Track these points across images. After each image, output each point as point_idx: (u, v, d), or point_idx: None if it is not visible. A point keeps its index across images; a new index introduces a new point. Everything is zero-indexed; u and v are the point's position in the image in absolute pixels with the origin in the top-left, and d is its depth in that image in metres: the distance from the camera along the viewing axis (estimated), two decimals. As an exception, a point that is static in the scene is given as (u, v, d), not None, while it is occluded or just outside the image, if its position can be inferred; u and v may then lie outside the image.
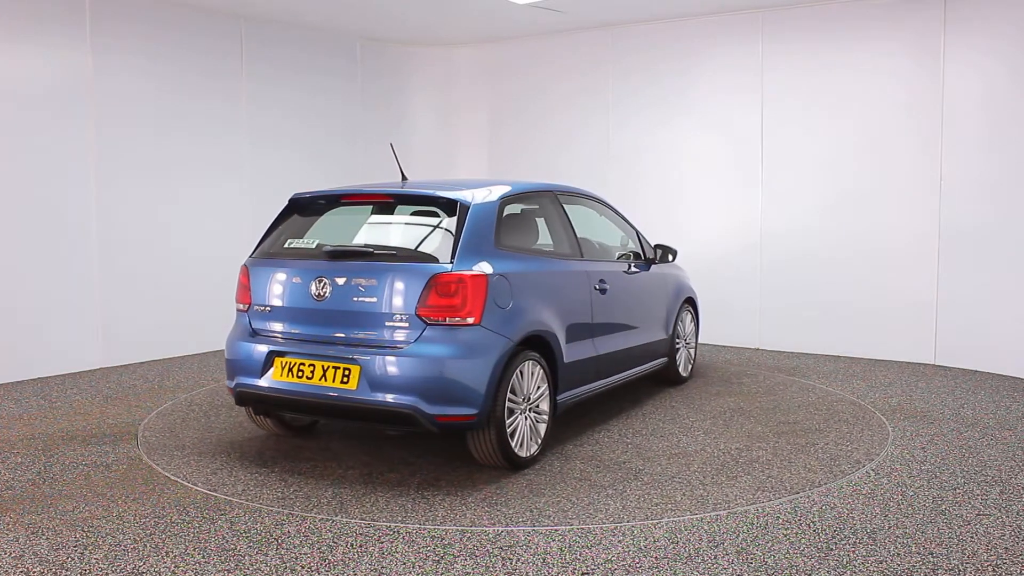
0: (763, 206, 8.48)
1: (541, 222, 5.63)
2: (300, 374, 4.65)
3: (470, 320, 4.46)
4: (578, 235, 6.30)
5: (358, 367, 4.50)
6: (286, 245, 5.04)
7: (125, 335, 7.73)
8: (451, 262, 4.51)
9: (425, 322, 4.45)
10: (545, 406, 4.96)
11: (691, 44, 8.78)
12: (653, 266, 6.54)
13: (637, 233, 6.49)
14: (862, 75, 7.88)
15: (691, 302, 7.16)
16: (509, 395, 4.64)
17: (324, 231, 5.08)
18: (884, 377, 7.23)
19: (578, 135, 9.54)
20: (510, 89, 10.08)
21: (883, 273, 7.90)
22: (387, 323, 4.52)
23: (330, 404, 4.60)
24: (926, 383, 6.99)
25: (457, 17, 8.90)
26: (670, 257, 6.70)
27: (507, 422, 4.62)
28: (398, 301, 4.50)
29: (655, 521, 4.05)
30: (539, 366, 4.88)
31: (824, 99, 8.08)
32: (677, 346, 6.87)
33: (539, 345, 4.94)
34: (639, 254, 6.45)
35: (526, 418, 4.81)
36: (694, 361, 7.30)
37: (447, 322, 4.44)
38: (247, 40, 8.61)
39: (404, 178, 5.64)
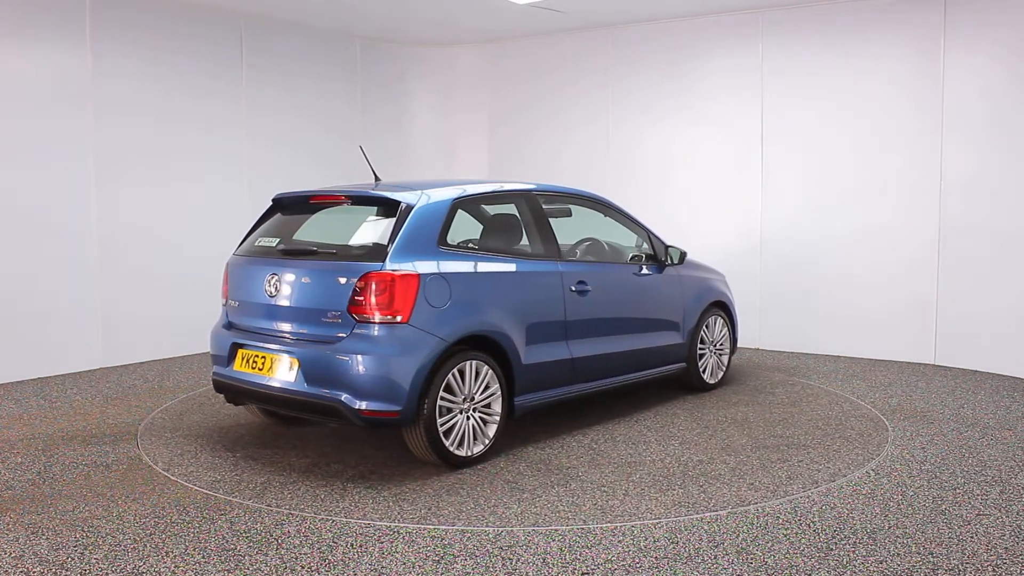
0: (763, 206, 8.48)
1: (508, 223, 5.63)
2: (254, 365, 4.92)
3: (398, 319, 4.55)
4: (579, 236, 6.28)
5: (297, 361, 4.69)
6: (257, 243, 5.30)
7: (125, 335, 7.73)
8: (382, 261, 4.60)
9: (356, 319, 4.57)
10: (498, 406, 4.98)
11: (691, 44, 8.78)
12: (670, 268, 6.36)
13: (649, 234, 6.32)
14: (862, 75, 7.88)
15: (722, 307, 6.88)
16: (445, 394, 4.71)
17: (291, 229, 5.30)
18: (884, 377, 7.23)
19: (578, 135, 9.54)
20: (510, 89, 10.08)
21: (883, 273, 7.90)
22: (323, 319, 4.69)
23: (274, 395, 4.83)
24: (926, 383, 6.99)
25: (457, 17, 8.90)
26: (686, 258, 6.59)
27: (440, 420, 4.68)
28: (333, 298, 4.66)
29: (655, 521, 4.06)
30: (487, 366, 4.90)
31: (824, 99, 8.08)
32: (701, 352, 6.63)
33: (488, 346, 4.96)
34: (652, 256, 6.28)
35: (468, 418, 4.84)
36: (726, 368, 6.94)
37: (376, 320, 4.55)
38: (247, 40, 8.62)
39: (377, 179, 5.66)
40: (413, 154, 10.29)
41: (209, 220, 8.31)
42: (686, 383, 6.69)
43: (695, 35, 8.73)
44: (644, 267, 6.20)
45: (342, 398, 4.53)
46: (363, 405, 4.51)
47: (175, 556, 3.66)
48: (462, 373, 4.79)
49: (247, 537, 3.87)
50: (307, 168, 9.09)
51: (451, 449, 4.75)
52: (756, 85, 8.41)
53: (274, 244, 5.18)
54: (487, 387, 4.92)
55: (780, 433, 5.54)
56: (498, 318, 4.99)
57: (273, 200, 5.51)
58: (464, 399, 4.82)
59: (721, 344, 6.87)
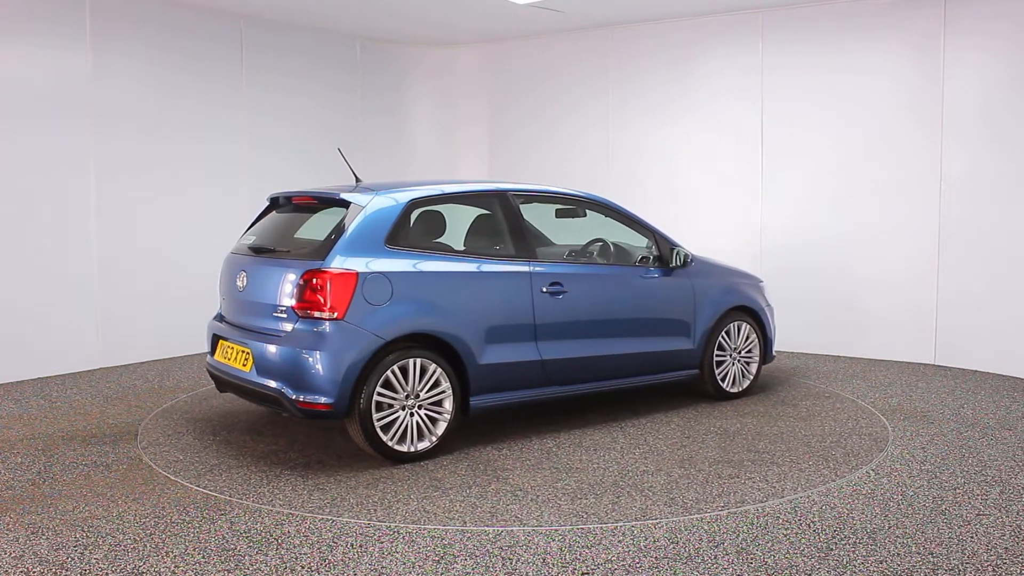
0: (763, 206, 8.48)
1: (475, 223, 5.70)
2: (226, 356, 5.25)
3: (334, 315, 4.72)
4: (589, 236, 6.25)
5: (251, 352, 4.97)
6: (242, 240, 5.63)
7: (125, 335, 7.73)
8: (323, 260, 4.79)
9: (298, 315, 4.80)
10: (449, 405, 5.03)
11: (691, 44, 8.77)
12: (679, 270, 6.14)
13: (655, 235, 6.12)
14: (862, 75, 7.88)
15: (749, 312, 6.52)
16: (383, 390, 4.81)
17: (273, 227, 5.56)
18: (884, 377, 7.23)
19: (579, 135, 9.53)
20: (510, 89, 10.08)
21: (883, 273, 7.90)
22: (273, 314, 4.96)
23: (238, 384, 5.13)
24: (926, 383, 6.99)
25: (457, 17, 8.90)
26: (708, 260, 6.44)
27: (378, 416, 4.80)
28: (281, 295, 4.91)
29: (655, 521, 4.06)
30: (435, 365, 4.96)
31: (824, 99, 8.08)
32: (721, 359, 6.35)
33: (438, 344, 5.02)
34: (659, 258, 6.09)
35: (411, 414, 4.92)
36: (754, 377, 6.56)
37: (315, 316, 4.75)
38: (247, 40, 8.62)
39: (357, 180, 5.76)
40: (413, 154, 10.29)
41: (208, 220, 8.30)
42: (705, 391, 6.42)
43: (695, 35, 8.73)
44: (648, 269, 6.03)
45: (282, 389, 4.76)
46: (299, 397, 4.72)
47: (175, 556, 3.66)
48: (404, 370, 4.88)
49: (247, 537, 3.88)
50: (306, 168, 9.08)
51: (390, 444, 4.85)
52: (756, 85, 8.41)
53: (251, 242, 5.49)
54: (436, 385, 4.99)
55: (761, 448, 5.23)
56: (448, 317, 5.03)
57: (268, 199, 5.76)
58: (407, 396, 4.90)
59: (748, 352, 6.53)
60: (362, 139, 9.72)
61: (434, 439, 5.01)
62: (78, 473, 4.78)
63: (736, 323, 6.44)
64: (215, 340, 5.42)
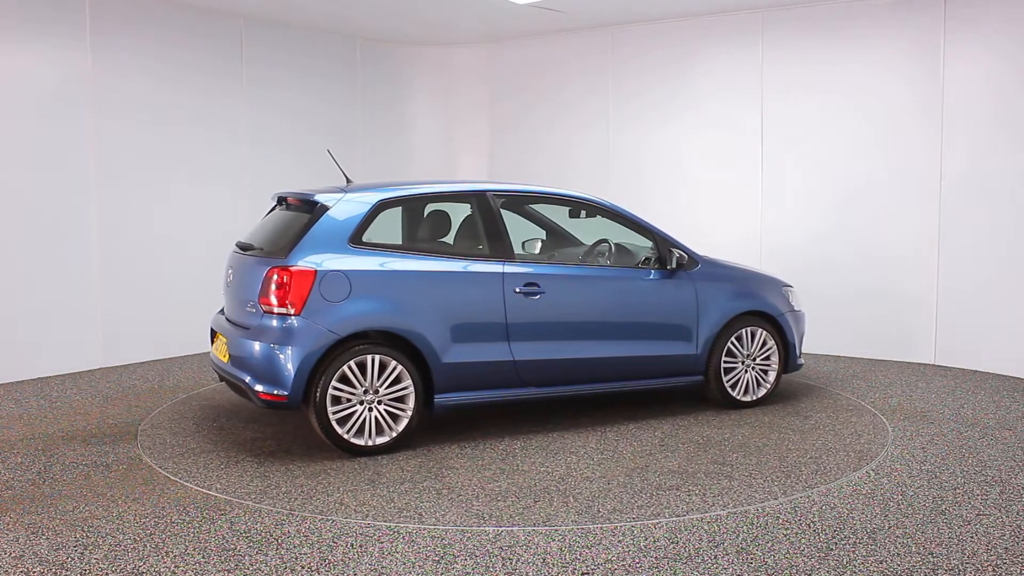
0: (763, 206, 8.48)
1: (462, 223, 5.79)
2: (217, 348, 5.54)
3: (291, 311, 4.94)
4: (596, 237, 6.24)
5: (228, 344, 5.27)
6: (241, 239, 5.83)
7: (125, 335, 7.72)
8: (285, 258, 5.02)
9: (263, 310, 5.05)
10: (411, 402, 5.11)
11: (691, 44, 8.77)
12: (682, 272, 5.92)
13: (655, 236, 5.93)
14: (862, 75, 7.87)
15: (767, 318, 6.19)
16: (339, 384, 4.94)
17: (269, 226, 5.70)
18: (884, 377, 7.22)
19: (578, 134, 9.53)
20: (510, 88, 10.07)
21: (883, 273, 7.89)
22: (246, 309, 5.22)
23: (223, 375, 5.40)
24: (926, 383, 6.99)
25: (457, 17, 8.90)
26: (720, 262, 6.31)
27: (333, 409, 4.94)
28: (251, 291, 5.15)
29: (655, 521, 4.06)
30: (396, 362, 5.05)
31: (824, 99, 8.08)
32: (731, 365, 6.06)
33: (399, 341, 5.11)
34: (660, 260, 5.92)
35: (370, 409, 5.03)
36: (771, 386, 6.23)
37: (276, 311, 4.98)
38: (247, 40, 8.61)
39: (348, 181, 5.89)
40: (413, 153, 10.29)
41: (209, 219, 8.30)
42: (713, 398, 6.16)
43: (695, 34, 8.73)
44: (646, 271, 5.89)
45: (247, 380, 5.00)
46: (259, 388, 4.94)
47: (175, 556, 3.66)
48: (362, 366, 4.98)
49: (247, 537, 3.88)
50: (307, 167, 9.06)
51: (346, 437, 4.98)
52: (756, 84, 8.40)
53: (243, 239, 5.75)
54: (398, 381, 5.07)
55: (730, 460, 5.00)
56: (408, 315, 5.12)
57: (272, 197, 5.95)
58: (365, 391, 4.99)
59: (764, 359, 6.22)
60: (362, 138, 9.72)
61: (394, 434, 5.08)
62: (78, 473, 4.78)
63: (749, 328, 6.12)
64: (212, 333, 5.71)
